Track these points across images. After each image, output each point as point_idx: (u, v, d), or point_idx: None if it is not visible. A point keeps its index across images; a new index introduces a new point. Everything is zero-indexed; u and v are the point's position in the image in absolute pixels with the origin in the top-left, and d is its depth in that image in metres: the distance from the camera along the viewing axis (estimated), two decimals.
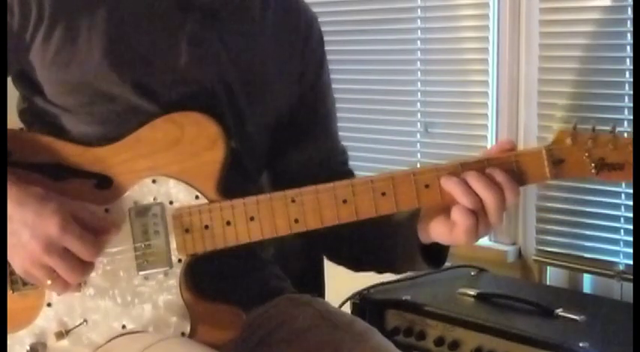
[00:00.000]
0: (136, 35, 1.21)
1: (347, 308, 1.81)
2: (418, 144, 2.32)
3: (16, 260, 1.12)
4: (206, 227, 1.17)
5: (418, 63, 2.31)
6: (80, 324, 1.18)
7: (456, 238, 1.14)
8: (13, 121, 1.27)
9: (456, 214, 1.12)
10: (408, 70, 2.33)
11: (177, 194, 1.18)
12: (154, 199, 1.18)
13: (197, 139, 1.18)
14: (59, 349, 1.18)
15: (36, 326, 1.18)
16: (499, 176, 1.11)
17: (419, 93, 2.31)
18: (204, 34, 1.23)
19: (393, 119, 2.35)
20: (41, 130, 1.23)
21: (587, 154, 1.11)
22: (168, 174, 1.18)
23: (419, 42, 2.30)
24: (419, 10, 2.28)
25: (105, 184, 1.18)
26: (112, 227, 1.16)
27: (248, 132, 1.28)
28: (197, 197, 1.18)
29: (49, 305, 1.18)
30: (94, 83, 1.19)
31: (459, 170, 1.13)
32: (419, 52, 2.31)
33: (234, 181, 1.20)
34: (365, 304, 1.83)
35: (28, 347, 1.18)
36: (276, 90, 1.33)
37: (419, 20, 2.29)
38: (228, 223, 1.16)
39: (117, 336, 1.18)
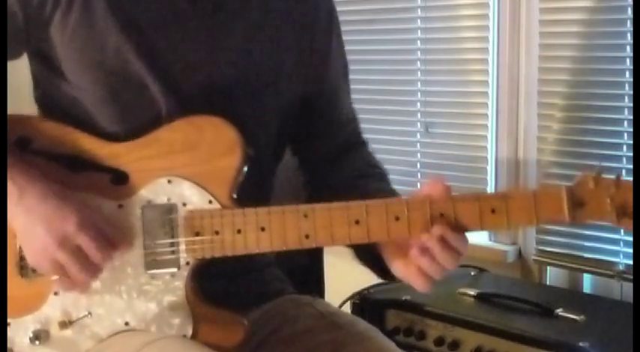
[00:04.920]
0: (149, 23, 1.22)
1: (347, 308, 1.81)
2: (418, 144, 2.32)
3: (29, 250, 1.14)
4: (216, 232, 1.16)
5: (418, 63, 2.31)
6: (84, 316, 1.19)
7: (410, 278, 1.15)
8: (27, 107, 1.28)
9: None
10: (408, 69, 2.33)
11: (191, 196, 1.18)
12: (168, 199, 1.18)
13: (215, 144, 1.18)
14: (61, 338, 1.19)
15: (42, 313, 1.19)
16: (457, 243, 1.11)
17: (419, 93, 2.31)
18: (213, 24, 1.24)
19: (393, 119, 2.35)
20: (59, 117, 1.24)
21: (609, 200, 1.08)
22: (184, 175, 1.18)
23: (419, 42, 2.30)
24: (419, 10, 2.29)
25: (121, 180, 1.19)
26: (124, 227, 1.17)
27: (266, 119, 1.28)
28: (210, 201, 1.18)
29: (56, 293, 1.19)
30: (110, 61, 1.21)
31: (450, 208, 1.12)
32: (419, 52, 2.31)
33: (247, 184, 1.20)
34: (365, 304, 1.83)
35: (31, 334, 1.19)
36: (289, 71, 1.31)
37: (419, 20, 2.29)
38: (239, 231, 1.16)
39: (119, 332, 1.19)
